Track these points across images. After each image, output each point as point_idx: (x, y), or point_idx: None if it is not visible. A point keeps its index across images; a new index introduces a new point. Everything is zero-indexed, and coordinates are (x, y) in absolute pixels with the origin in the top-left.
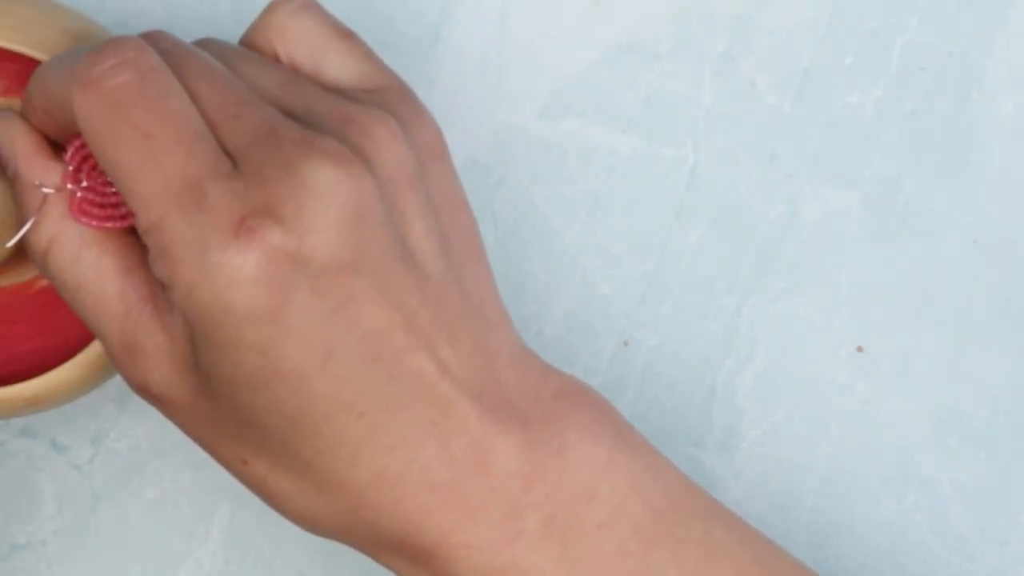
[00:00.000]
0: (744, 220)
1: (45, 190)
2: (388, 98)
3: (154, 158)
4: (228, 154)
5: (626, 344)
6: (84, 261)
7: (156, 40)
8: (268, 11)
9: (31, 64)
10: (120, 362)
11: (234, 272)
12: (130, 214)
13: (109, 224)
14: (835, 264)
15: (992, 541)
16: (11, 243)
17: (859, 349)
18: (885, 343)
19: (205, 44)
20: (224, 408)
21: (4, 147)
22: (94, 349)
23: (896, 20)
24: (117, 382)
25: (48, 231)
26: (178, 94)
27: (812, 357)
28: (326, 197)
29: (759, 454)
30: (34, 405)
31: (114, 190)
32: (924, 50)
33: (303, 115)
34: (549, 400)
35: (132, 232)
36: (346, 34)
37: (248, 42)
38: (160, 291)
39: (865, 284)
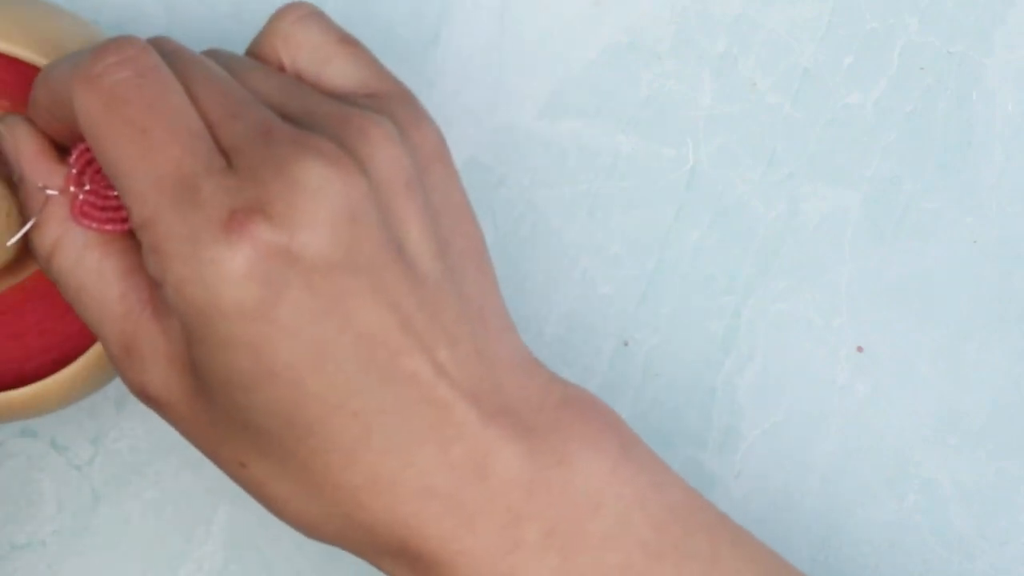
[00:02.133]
0: (744, 220)
1: (49, 192)
2: (389, 103)
3: (149, 153)
4: (224, 152)
5: (626, 344)
6: (86, 263)
7: (159, 44)
8: (273, 19)
9: (31, 72)
10: (119, 364)
11: (224, 267)
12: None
13: (109, 227)
14: (835, 264)
15: (992, 541)
16: (11, 242)
17: (859, 349)
18: (885, 343)
19: (209, 54)
20: (220, 410)
21: (10, 150)
22: (94, 353)
23: (896, 20)
24: (117, 383)
25: (51, 233)
26: (176, 92)
27: (812, 357)
28: (318, 195)
29: (759, 454)
30: (34, 409)
31: (115, 193)
32: (924, 50)
33: (301, 118)
34: (552, 409)
35: (134, 236)
36: (349, 41)
37: (253, 51)
38: (159, 294)
39: (865, 284)
